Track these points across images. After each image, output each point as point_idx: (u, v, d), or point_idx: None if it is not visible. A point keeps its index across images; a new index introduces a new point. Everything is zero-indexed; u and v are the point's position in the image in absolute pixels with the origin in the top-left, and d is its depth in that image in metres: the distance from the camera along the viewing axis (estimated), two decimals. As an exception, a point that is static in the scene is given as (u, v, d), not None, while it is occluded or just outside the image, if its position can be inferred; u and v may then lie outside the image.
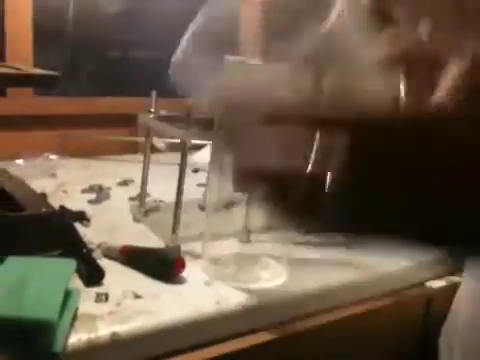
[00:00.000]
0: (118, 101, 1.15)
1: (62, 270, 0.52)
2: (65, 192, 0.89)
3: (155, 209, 0.80)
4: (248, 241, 0.73)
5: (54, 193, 0.86)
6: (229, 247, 0.71)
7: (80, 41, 1.18)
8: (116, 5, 1.21)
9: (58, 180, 0.94)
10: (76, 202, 0.83)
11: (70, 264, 0.54)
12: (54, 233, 0.63)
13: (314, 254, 0.73)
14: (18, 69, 0.68)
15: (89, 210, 0.79)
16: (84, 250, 0.61)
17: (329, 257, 0.72)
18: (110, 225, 0.76)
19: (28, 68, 0.69)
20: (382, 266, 0.71)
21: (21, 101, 1.04)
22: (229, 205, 0.86)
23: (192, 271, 0.62)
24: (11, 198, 0.70)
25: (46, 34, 1.12)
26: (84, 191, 0.89)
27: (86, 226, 0.74)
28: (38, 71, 0.67)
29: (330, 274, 0.67)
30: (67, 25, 1.17)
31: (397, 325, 0.71)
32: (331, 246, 0.76)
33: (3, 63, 0.81)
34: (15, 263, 0.52)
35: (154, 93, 0.75)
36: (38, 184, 0.84)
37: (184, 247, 0.68)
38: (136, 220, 0.77)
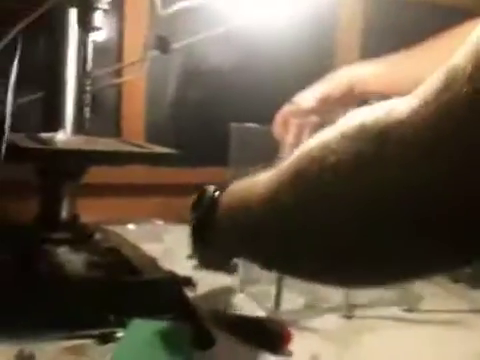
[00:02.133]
0: (223, 172, 1.21)
1: (181, 335, 0.55)
2: (172, 257, 0.94)
3: (256, 280, 0.82)
4: (350, 316, 0.73)
5: (162, 258, 0.91)
6: (330, 322, 0.72)
7: (185, 113, 1.27)
8: (224, 79, 1.30)
9: (165, 245, 1.00)
10: (182, 267, 0.87)
11: (187, 329, 0.57)
12: (168, 298, 0.67)
13: (420, 329, 0.72)
14: (141, 146, 0.76)
15: (193, 276, 0.83)
16: (198, 316, 0.64)
17: (434, 332, 0.71)
18: (213, 292, 0.79)
19: (151, 146, 0.76)
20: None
21: (133, 171, 1.13)
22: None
23: (298, 344, 0.63)
24: (127, 262, 0.76)
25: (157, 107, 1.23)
26: (189, 257, 0.93)
27: (192, 291, 0.78)
28: (160, 149, 0.74)
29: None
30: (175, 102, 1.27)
31: None
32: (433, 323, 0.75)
33: (125, 139, 0.90)
34: (140, 327, 0.56)
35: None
36: (147, 248, 0.90)
37: (287, 317, 0.70)
38: (240, 290, 0.80)
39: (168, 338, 0.55)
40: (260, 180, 0.42)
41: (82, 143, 0.78)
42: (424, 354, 0.66)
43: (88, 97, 0.81)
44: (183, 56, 1.25)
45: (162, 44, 0.95)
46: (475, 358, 0.68)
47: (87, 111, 0.80)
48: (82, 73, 0.82)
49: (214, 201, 0.49)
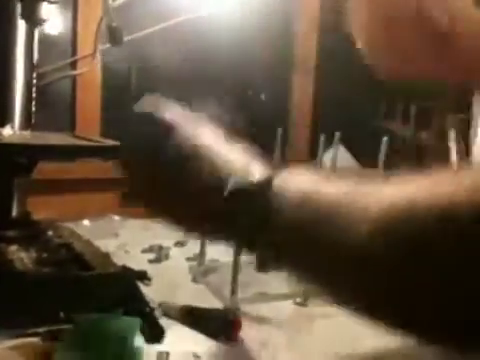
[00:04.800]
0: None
1: (128, 329, 0.55)
2: (127, 252, 0.93)
3: (213, 269, 0.82)
4: (305, 304, 0.74)
5: (116, 252, 0.91)
6: (284, 310, 0.72)
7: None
8: (182, 70, 1.29)
9: (120, 240, 0.99)
10: (137, 262, 0.87)
11: (135, 323, 0.57)
12: (120, 292, 0.66)
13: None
14: (90, 140, 0.75)
15: (149, 269, 0.83)
16: (147, 309, 0.64)
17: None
18: (170, 285, 0.79)
19: (102, 140, 0.75)
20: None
21: (87, 165, 1.12)
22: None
23: (249, 332, 0.63)
24: (80, 258, 0.75)
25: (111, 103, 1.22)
26: (144, 251, 0.93)
27: (147, 285, 0.78)
28: (109, 143, 0.73)
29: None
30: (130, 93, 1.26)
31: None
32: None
33: (76, 134, 0.88)
34: (85, 322, 0.55)
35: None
36: (102, 244, 0.89)
37: (242, 308, 0.70)
38: (195, 281, 0.80)
39: (116, 332, 0.55)
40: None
41: (29, 138, 0.77)
42: (376, 340, 0.67)
43: (35, 91, 0.79)
44: (141, 48, 1.24)
45: (114, 35, 0.94)
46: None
47: (33, 105, 0.79)
48: (29, 67, 0.80)
49: (270, 198, 0.39)
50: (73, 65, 1.16)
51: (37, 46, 0.80)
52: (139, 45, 1.20)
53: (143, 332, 0.61)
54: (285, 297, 0.75)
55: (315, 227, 0.36)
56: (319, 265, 0.37)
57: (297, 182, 0.40)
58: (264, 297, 0.73)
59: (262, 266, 0.43)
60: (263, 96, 1.36)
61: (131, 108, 0.48)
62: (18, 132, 0.77)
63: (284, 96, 1.43)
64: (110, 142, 0.77)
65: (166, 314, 0.67)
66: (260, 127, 1.23)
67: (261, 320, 0.69)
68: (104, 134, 1.14)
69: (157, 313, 0.66)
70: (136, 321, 0.57)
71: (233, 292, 0.71)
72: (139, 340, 0.58)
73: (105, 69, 1.18)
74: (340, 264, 0.35)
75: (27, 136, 0.78)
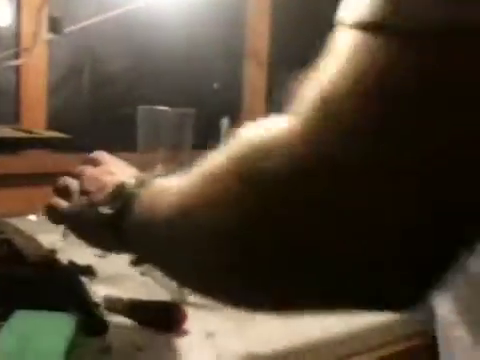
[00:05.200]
0: (131, 156, 1.19)
1: (65, 326, 0.53)
2: (74, 246, 0.91)
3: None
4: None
5: (63, 247, 0.89)
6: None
7: (94, 99, 1.24)
8: (129, 62, 1.27)
9: (68, 234, 0.96)
10: (84, 256, 0.85)
11: (72, 320, 0.55)
12: (62, 288, 0.65)
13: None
14: (31, 132, 0.73)
15: (97, 263, 0.81)
16: (90, 303, 0.62)
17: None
18: (117, 278, 0.77)
19: (41, 131, 0.73)
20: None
21: (32, 159, 1.08)
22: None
23: (196, 323, 0.63)
24: (21, 253, 0.73)
25: (61, 93, 1.19)
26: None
27: (92, 280, 0.76)
28: (49, 134, 0.71)
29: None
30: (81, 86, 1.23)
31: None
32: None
33: (16, 126, 0.86)
34: (19, 321, 0.53)
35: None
36: (49, 239, 0.86)
37: (189, 298, 0.69)
38: (142, 273, 0.79)
39: (53, 328, 0.53)
40: (171, 187, 0.39)
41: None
42: (322, 327, 0.67)
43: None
44: (90, 39, 1.21)
45: (54, 25, 0.91)
46: (381, 328, 0.70)
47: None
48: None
49: (133, 199, 0.45)
50: (17, 57, 1.12)
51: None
52: (88, 35, 1.18)
53: (85, 326, 0.60)
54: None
55: (155, 226, 0.40)
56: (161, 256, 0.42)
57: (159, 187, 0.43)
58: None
59: (133, 263, 0.50)
60: (215, 86, 1.35)
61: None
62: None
63: (236, 87, 1.42)
64: (52, 134, 0.75)
65: (109, 308, 0.65)
66: (212, 118, 1.23)
67: (208, 310, 0.68)
68: (50, 126, 1.11)
69: (100, 307, 0.65)
70: (75, 317, 0.55)
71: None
72: (79, 336, 0.57)
73: (52, 61, 1.15)
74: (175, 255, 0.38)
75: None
